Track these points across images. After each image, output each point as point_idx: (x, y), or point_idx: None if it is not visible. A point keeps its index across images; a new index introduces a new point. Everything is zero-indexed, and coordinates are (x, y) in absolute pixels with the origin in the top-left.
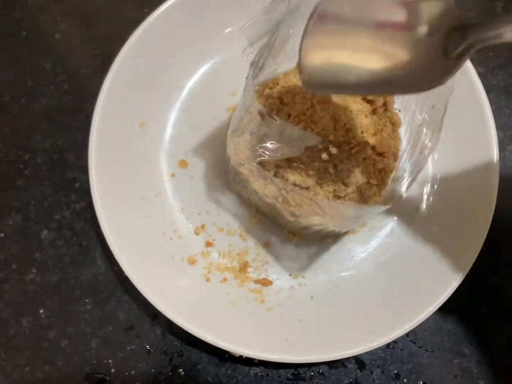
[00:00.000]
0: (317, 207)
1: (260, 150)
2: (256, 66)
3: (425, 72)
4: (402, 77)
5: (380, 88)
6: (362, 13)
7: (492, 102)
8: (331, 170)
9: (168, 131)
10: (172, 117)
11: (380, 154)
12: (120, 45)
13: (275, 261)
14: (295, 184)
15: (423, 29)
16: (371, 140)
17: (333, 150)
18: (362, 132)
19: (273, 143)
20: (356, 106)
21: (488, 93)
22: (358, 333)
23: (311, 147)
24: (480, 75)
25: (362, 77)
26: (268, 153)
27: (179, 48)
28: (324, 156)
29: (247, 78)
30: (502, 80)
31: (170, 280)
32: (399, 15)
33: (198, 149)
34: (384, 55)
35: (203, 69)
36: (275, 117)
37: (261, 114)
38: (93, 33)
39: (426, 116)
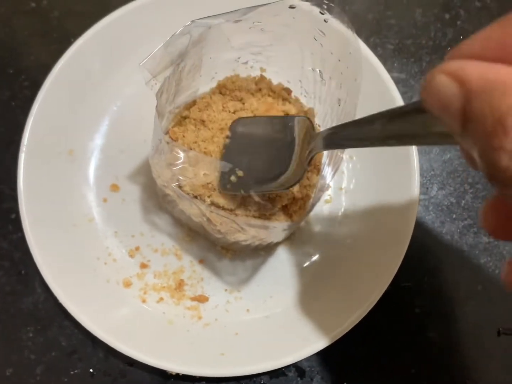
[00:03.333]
0: (237, 226)
1: (177, 174)
2: (166, 94)
3: (295, 176)
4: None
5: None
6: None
7: None
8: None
9: (98, 157)
10: (101, 142)
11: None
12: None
13: (210, 277)
14: (219, 206)
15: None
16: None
17: (240, 173)
18: None
19: (186, 168)
20: None
21: (411, 98)
22: (293, 341)
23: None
24: (402, 80)
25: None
26: (182, 178)
27: (103, 73)
28: (233, 178)
29: (156, 107)
30: None
31: (106, 304)
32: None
33: (129, 172)
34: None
35: (128, 93)
36: (178, 149)
37: (168, 144)
38: (22, 65)
39: None
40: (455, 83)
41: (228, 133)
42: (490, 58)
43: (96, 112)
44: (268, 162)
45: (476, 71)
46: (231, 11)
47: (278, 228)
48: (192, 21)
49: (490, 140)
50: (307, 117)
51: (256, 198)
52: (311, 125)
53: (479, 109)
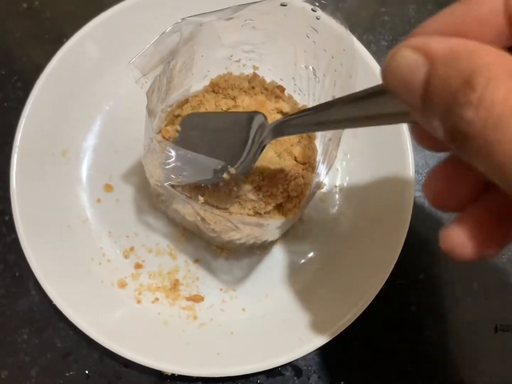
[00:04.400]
0: (232, 224)
1: (170, 174)
2: (157, 92)
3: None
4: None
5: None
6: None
7: None
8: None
9: (91, 157)
10: (94, 142)
11: (302, 164)
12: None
13: (205, 277)
14: (212, 205)
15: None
16: (296, 150)
17: (232, 170)
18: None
19: (179, 168)
20: (272, 117)
21: None
22: (289, 340)
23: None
24: None
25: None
26: (174, 176)
27: (95, 73)
28: (225, 176)
29: (146, 106)
30: None
31: (101, 305)
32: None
33: (122, 172)
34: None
35: (121, 92)
36: (170, 149)
37: (159, 143)
38: (14, 66)
39: (333, 131)
40: (419, 54)
41: (178, 127)
42: (454, 34)
43: (89, 112)
44: (219, 154)
45: (442, 42)
46: (222, 9)
47: (272, 225)
48: (183, 18)
49: (455, 98)
50: (261, 112)
51: (251, 196)
52: (264, 119)
53: (444, 73)
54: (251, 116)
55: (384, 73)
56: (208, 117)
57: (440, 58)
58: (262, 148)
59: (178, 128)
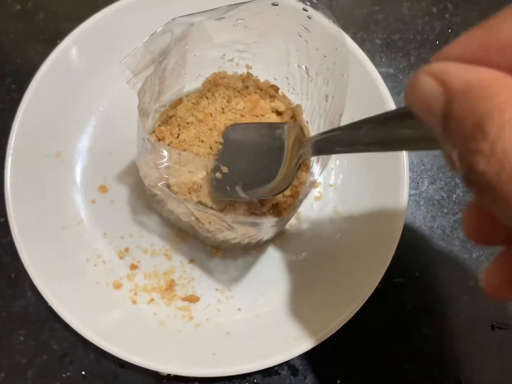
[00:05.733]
0: (226, 224)
1: (163, 173)
2: (149, 92)
3: (284, 182)
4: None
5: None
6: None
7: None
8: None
9: (85, 158)
10: (88, 144)
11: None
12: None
13: (201, 277)
14: (206, 206)
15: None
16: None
17: (224, 169)
18: None
19: (172, 167)
20: (270, 118)
21: (399, 92)
22: (285, 340)
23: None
24: (391, 75)
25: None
26: (167, 176)
27: (89, 74)
28: (218, 175)
29: (138, 106)
30: None
31: (97, 306)
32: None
33: (117, 173)
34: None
35: (115, 93)
36: (162, 148)
37: (151, 143)
38: (8, 68)
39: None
40: (437, 84)
41: (221, 139)
42: (473, 60)
43: (83, 113)
44: (257, 169)
45: (459, 73)
46: (213, 9)
47: (267, 224)
48: (174, 18)
49: (468, 143)
50: (298, 124)
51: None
52: (301, 132)
53: (459, 112)
54: (282, 127)
55: (407, 96)
56: (246, 129)
57: (456, 92)
58: (300, 164)
59: (221, 140)
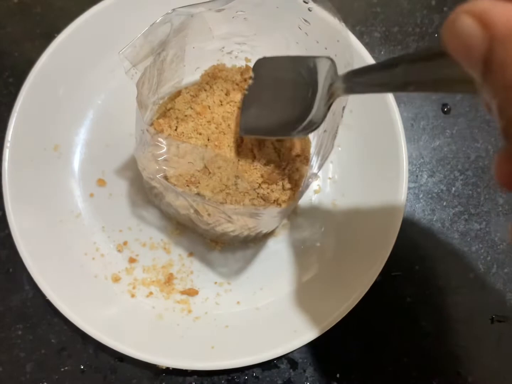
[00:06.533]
0: (226, 216)
1: (162, 165)
2: (148, 84)
3: (317, 119)
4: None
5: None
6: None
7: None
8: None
9: (83, 151)
10: (86, 137)
11: (297, 156)
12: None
13: (200, 271)
14: (206, 198)
15: (318, 85)
16: (291, 142)
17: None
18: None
19: (170, 159)
20: None
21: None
22: (283, 333)
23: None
24: None
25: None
26: (167, 168)
27: (86, 67)
28: (219, 165)
29: (136, 97)
30: None
31: (95, 300)
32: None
33: (115, 166)
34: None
35: (112, 86)
36: (161, 139)
37: (150, 134)
38: (6, 62)
39: (328, 123)
40: (479, 26)
41: (251, 74)
42: None
43: (80, 106)
44: (291, 105)
45: (503, 13)
46: (213, 0)
47: (266, 216)
48: (173, 9)
49: (509, 93)
50: (330, 58)
51: (251, 193)
52: (333, 67)
53: (502, 58)
54: (319, 61)
55: (444, 36)
56: (278, 62)
57: (499, 36)
58: (331, 103)
59: (252, 74)
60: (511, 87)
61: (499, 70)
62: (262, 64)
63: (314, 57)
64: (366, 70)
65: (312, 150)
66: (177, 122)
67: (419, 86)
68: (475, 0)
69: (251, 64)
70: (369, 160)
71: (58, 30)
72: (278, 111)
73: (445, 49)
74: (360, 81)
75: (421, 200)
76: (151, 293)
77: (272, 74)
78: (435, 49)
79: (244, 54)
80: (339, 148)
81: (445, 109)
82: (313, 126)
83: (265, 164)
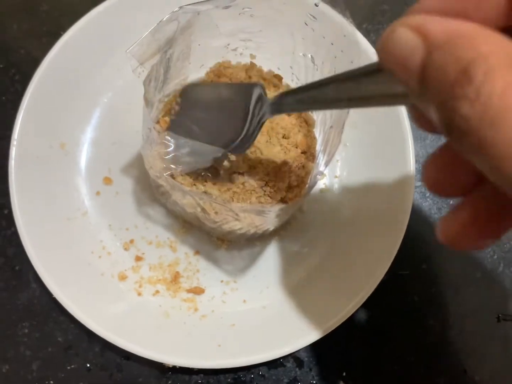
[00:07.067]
0: (233, 214)
1: (169, 164)
2: (154, 82)
3: (248, 140)
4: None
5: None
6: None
7: None
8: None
9: (90, 150)
10: (93, 135)
11: (303, 153)
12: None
13: (206, 269)
14: (213, 196)
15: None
16: (297, 139)
17: (232, 157)
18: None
19: (177, 157)
20: None
21: None
22: (290, 331)
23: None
24: None
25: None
26: (174, 166)
27: (93, 65)
28: (226, 163)
29: (144, 95)
30: None
31: (101, 298)
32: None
33: (121, 164)
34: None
35: (119, 84)
36: (168, 137)
37: (157, 132)
38: (12, 59)
39: (334, 118)
40: (416, 36)
41: (178, 99)
42: (450, 14)
43: (87, 104)
44: (220, 129)
45: (439, 24)
46: None
47: (272, 213)
48: (180, 7)
49: (451, 90)
50: (260, 84)
51: (258, 191)
52: (262, 92)
53: (441, 61)
54: (250, 88)
55: (381, 52)
56: (207, 89)
57: (437, 42)
58: (261, 124)
59: (178, 100)
60: (453, 85)
61: (440, 72)
62: (190, 91)
63: (244, 84)
64: (295, 91)
65: (318, 147)
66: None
67: (350, 102)
68: (411, 15)
69: (257, 61)
70: (376, 159)
71: (64, 28)
72: (205, 136)
73: (378, 65)
74: (289, 101)
75: (428, 199)
76: (157, 291)
77: (199, 101)
78: (365, 68)
79: (249, 51)
80: (346, 147)
81: None
82: (241, 148)
83: (272, 162)
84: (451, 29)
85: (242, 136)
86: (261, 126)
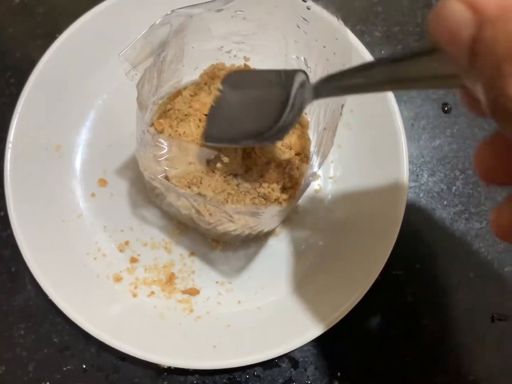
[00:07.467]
0: (227, 215)
1: (163, 166)
2: (148, 84)
3: (287, 126)
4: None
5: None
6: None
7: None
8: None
9: (85, 152)
10: (88, 137)
11: (297, 155)
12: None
13: (201, 270)
14: (207, 198)
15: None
16: (292, 140)
17: (225, 159)
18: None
19: (171, 159)
20: None
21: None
22: (285, 332)
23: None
24: None
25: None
26: (168, 169)
27: (88, 67)
28: (219, 165)
29: (137, 98)
30: None
31: (97, 299)
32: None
33: (116, 166)
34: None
35: (114, 86)
36: (161, 140)
37: (151, 134)
38: (7, 62)
39: (328, 120)
40: (467, 9)
41: (219, 86)
42: None
43: (82, 106)
44: (260, 116)
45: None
46: (213, 0)
47: (267, 214)
48: (173, 10)
49: (500, 67)
50: (302, 70)
51: (252, 192)
52: (306, 78)
53: (492, 36)
54: (292, 74)
55: (431, 24)
56: (249, 74)
57: (490, 17)
58: (302, 109)
59: (220, 86)
60: (502, 61)
61: (489, 48)
62: (232, 78)
63: (285, 71)
64: (339, 75)
65: (312, 148)
66: (177, 122)
67: (398, 84)
68: None
69: (250, 63)
70: (370, 160)
71: (60, 30)
72: (244, 122)
73: (429, 47)
74: (333, 85)
75: (422, 200)
76: (152, 292)
77: (241, 87)
78: (413, 50)
79: (243, 53)
80: (340, 148)
81: (446, 109)
82: (280, 135)
83: (266, 163)
84: (506, 3)
85: (280, 123)
86: (300, 113)
